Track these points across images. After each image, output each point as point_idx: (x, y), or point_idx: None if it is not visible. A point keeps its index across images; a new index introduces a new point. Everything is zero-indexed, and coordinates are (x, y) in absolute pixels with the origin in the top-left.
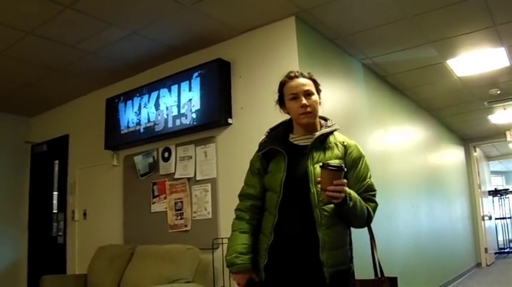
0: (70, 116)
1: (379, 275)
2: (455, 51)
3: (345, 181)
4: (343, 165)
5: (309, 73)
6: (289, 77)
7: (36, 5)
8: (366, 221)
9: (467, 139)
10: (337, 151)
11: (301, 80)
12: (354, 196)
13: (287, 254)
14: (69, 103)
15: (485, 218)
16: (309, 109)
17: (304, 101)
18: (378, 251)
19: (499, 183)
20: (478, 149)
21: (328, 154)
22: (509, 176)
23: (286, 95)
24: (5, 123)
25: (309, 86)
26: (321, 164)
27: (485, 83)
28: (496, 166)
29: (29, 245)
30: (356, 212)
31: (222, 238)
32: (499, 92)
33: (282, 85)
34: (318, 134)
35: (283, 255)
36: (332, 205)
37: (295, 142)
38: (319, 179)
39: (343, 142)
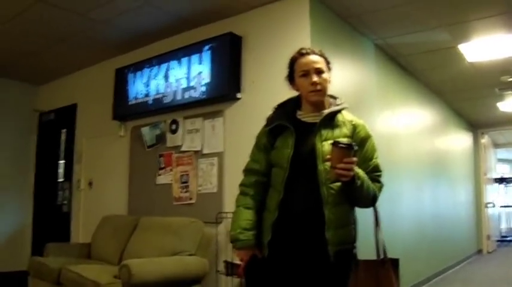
0: (78, 85)
1: (382, 256)
2: (468, 36)
3: (355, 159)
4: (353, 143)
5: (320, 50)
6: (301, 53)
7: None
8: (371, 201)
9: (475, 125)
10: (346, 130)
11: (313, 57)
12: (362, 176)
13: (292, 231)
14: (78, 72)
15: (489, 205)
16: (319, 87)
17: (315, 78)
18: (381, 232)
19: (505, 171)
20: (486, 136)
21: (337, 132)
22: None
23: (296, 71)
24: (13, 90)
25: (320, 63)
26: (330, 141)
27: (497, 70)
28: (503, 153)
29: (34, 213)
30: (363, 191)
31: (227, 212)
32: (510, 79)
33: (293, 61)
34: (326, 111)
35: (288, 232)
36: (339, 183)
37: (303, 119)
38: (328, 156)
39: (352, 121)
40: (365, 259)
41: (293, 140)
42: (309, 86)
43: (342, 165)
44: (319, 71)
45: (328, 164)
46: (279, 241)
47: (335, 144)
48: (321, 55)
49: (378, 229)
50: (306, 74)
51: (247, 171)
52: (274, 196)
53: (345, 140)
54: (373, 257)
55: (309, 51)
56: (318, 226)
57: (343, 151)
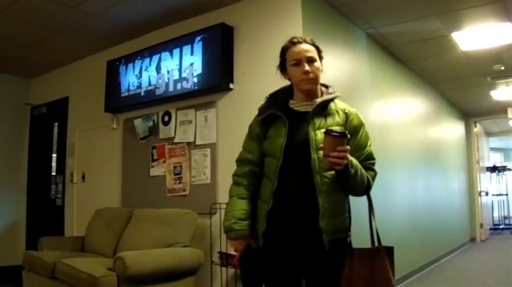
0: (70, 78)
1: (376, 244)
2: (461, 24)
3: (348, 147)
4: (346, 131)
5: (311, 39)
6: (292, 42)
7: None
8: (365, 189)
9: (468, 114)
10: (338, 118)
11: (304, 46)
12: (355, 164)
13: (286, 220)
14: (69, 65)
15: (482, 194)
16: (311, 75)
17: (307, 67)
18: (375, 220)
19: (497, 160)
20: (478, 125)
21: (330, 120)
22: (508, 153)
23: (288, 60)
24: (4, 84)
25: (312, 52)
26: (323, 130)
27: (490, 59)
28: (495, 142)
29: (28, 207)
30: (356, 180)
31: (220, 203)
32: (502, 68)
33: (285, 50)
34: (319, 100)
35: (282, 221)
36: (332, 172)
37: (295, 108)
38: (321, 145)
39: (344, 109)
40: (359, 247)
41: (286, 129)
42: (301, 74)
43: (335, 153)
44: (311, 60)
45: (321, 152)
46: (273, 230)
47: (328, 132)
48: (313, 44)
49: (372, 217)
50: (298, 63)
51: (240, 161)
52: (267, 186)
53: (337, 128)
54: (367, 245)
55: (300, 40)
56: (312, 214)
57: (336, 139)
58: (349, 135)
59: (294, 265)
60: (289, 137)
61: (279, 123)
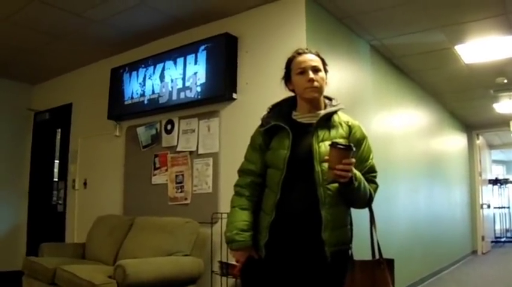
0: (74, 84)
1: (377, 256)
2: (464, 37)
3: (354, 160)
4: (352, 144)
5: (316, 51)
6: (298, 53)
7: None
8: (367, 202)
9: (470, 126)
10: (342, 130)
11: (310, 56)
12: (359, 177)
13: (289, 232)
14: (73, 72)
15: (484, 206)
16: (315, 84)
17: (311, 75)
18: (377, 233)
19: (499, 172)
20: (480, 137)
21: (333, 132)
22: (510, 166)
23: (293, 69)
24: (8, 90)
25: (317, 62)
26: (327, 142)
27: (493, 71)
28: (497, 155)
29: (29, 213)
30: (360, 192)
31: (222, 213)
32: (505, 81)
33: (290, 61)
34: (323, 112)
35: (285, 233)
36: (336, 184)
37: (298, 120)
38: (326, 157)
39: (348, 122)
40: (360, 259)
41: (290, 141)
42: (306, 83)
43: (341, 166)
44: (315, 69)
45: (325, 165)
46: (276, 242)
47: (333, 145)
48: (318, 55)
49: (374, 229)
50: (303, 71)
51: (242, 171)
52: (270, 197)
53: (341, 141)
54: (368, 257)
55: (306, 50)
56: (315, 226)
57: (341, 151)
58: (354, 149)
59: (296, 277)
60: (293, 149)
61: (283, 135)
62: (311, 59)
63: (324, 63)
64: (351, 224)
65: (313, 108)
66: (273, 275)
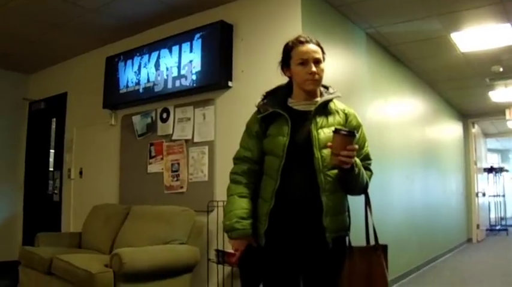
0: (69, 74)
1: (372, 242)
2: (460, 25)
3: (357, 146)
4: (355, 131)
5: (317, 40)
6: (300, 41)
7: None
8: (364, 189)
9: (466, 115)
10: (339, 118)
11: (312, 47)
12: (359, 163)
13: (289, 219)
14: (68, 61)
15: (479, 194)
16: (316, 77)
17: (313, 68)
18: (372, 217)
19: (494, 161)
20: (476, 126)
21: (331, 119)
22: (506, 155)
23: (294, 58)
24: (2, 79)
25: (319, 53)
26: (325, 129)
27: (488, 60)
28: (493, 143)
29: (25, 203)
30: (359, 179)
31: (218, 201)
32: (501, 69)
33: (290, 48)
34: (321, 100)
35: (285, 220)
36: (335, 171)
37: (294, 107)
38: (329, 143)
39: (344, 110)
40: (357, 245)
41: (289, 128)
42: (306, 74)
43: (345, 152)
44: (317, 61)
45: (325, 151)
46: (276, 229)
47: (337, 131)
48: (318, 45)
49: (370, 214)
50: (304, 62)
51: (238, 159)
52: (269, 184)
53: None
54: (363, 243)
55: (308, 39)
56: (316, 213)
57: (345, 138)
58: (357, 135)
59: (295, 264)
60: (292, 136)
61: (281, 122)
62: (313, 50)
63: (323, 53)
64: (349, 211)
65: (309, 96)
66: (273, 263)
